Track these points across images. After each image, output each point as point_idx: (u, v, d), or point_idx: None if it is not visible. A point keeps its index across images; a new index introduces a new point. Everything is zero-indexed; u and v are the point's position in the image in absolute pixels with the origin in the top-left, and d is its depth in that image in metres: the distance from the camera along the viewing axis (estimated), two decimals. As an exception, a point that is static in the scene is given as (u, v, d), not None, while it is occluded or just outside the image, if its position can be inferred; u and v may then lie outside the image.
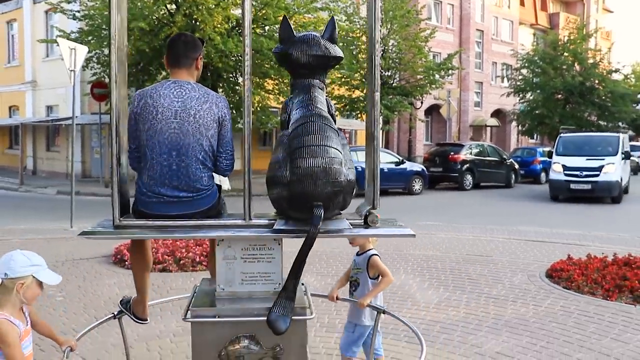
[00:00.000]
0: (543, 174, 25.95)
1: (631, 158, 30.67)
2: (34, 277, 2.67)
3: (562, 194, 18.35)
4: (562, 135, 19.98)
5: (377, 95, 3.08)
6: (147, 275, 3.48)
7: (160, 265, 7.26)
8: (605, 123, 34.66)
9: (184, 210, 3.02)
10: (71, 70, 10.94)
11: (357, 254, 4.03)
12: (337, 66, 23.07)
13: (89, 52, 16.44)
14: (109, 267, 7.44)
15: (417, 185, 20.45)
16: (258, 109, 18.70)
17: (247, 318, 2.89)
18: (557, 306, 5.96)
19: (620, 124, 36.60)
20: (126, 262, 7.43)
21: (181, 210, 3.02)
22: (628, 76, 35.15)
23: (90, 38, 17.36)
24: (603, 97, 32.97)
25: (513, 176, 23.70)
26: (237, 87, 18.76)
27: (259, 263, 2.99)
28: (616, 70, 33.99)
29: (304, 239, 2.73)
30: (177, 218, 2.97)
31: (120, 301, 3.75)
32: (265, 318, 2.75)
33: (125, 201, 3.11)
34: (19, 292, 2.64)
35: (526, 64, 33.80)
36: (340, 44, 22.90)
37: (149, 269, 3.49)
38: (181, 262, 7.41)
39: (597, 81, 32.79)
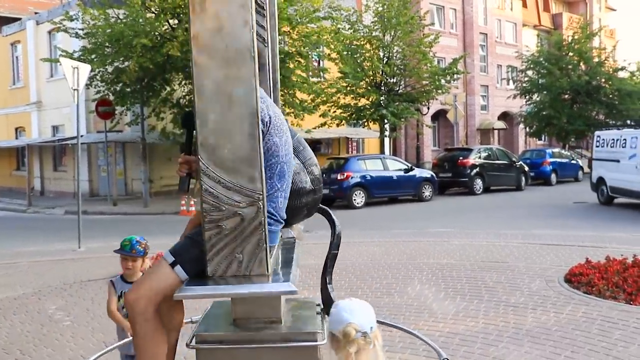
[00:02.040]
0: (553, 176, 25.72)
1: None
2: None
3: None
4: None
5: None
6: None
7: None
8: (613, 121, 34.36)
9: None
10: (74, 89, 10.85)
11: (128, 281, 3.87)
12: (342, 75, 23.22)
13: (92, 70, 16.44)
14: (117, 288, 7.29)
15: (427, 191, 20.26)
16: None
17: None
18: (579, 312, 5.77)
19: (628, 122, 36.26)
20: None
21: None
22: (634, 74, 34.90)
23: (93, 56, 17.34)
24: (610, 96, 32.74)
25: (523, 179, 23.45)
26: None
27: None
28: (622, 68, 33.76)
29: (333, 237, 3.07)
30: None
31: None
32: None
33: None
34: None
35: (531, 66, 33.63)
36: (345, 53, 22.82)
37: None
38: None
39: (603, 80, 32.57)
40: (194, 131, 2.51)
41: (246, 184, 2.26)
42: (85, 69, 11.34)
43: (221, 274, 2.30)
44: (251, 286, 2.29)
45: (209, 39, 2.20)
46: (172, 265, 2.43)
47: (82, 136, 19.78)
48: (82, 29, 17.94)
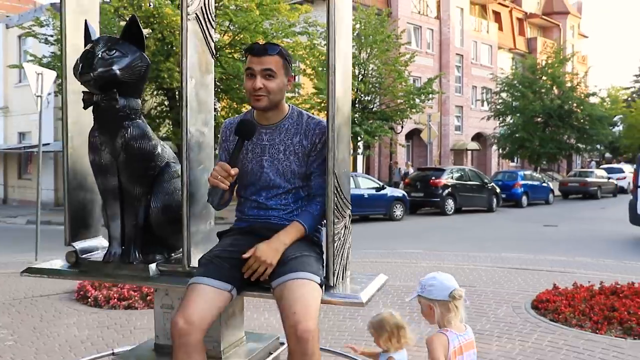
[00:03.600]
0: (524, 198, 25.86)
1: (610, 180, 30.94)
2: None
3: None
4: None
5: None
6: None
7: (126, 302, 6.82)
8: (584, 146, 34.87)
9: None
10: (38, 96, 10.51)
11: None
12: (316, 91, 23.19)
13: (58, 76, 16.06)
14: (70, 305, 6.96)
15: (398, 211, 20.15)
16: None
17: None
18: (545, 341, 5.62)
19: (598, 146, 36.86)
20: (89, 299, 6.98)
21: None
22: (604, 99, 35.57)
23: (62, 63, 16.95)
24: (581, 120, 33.25)
25: (495, 200, 23.51)
26: (215, 109, 18.48)
27: None
28: (593, 94, 34.34)
29: None
30: None
31: None
32: None
33: None
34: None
35: (506, 88, 34.01)
36: (320, 69, 22.66)
37: None
38: (148, 297, 6.95)
39: (575, 104, 33.08)
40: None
41: (347, 195, 2.50)
42: (50, 76, 10.99)
43: (338, 282, 2.50)
44: (375, 281, 2.72)
45: (341, 66, 2.47)
46: (321, 285, 2.45)
47: (49, 144, 19.38)
48: (52, 35, 17.56)
